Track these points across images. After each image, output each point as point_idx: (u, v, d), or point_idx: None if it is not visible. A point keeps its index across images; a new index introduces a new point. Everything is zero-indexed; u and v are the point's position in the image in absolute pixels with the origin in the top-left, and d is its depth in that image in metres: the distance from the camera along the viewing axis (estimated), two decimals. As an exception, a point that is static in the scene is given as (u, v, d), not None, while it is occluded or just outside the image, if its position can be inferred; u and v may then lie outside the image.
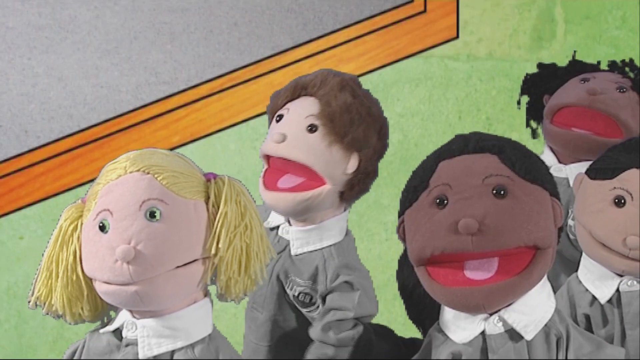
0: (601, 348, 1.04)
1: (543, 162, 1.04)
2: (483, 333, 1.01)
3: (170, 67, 2.03)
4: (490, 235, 0.94)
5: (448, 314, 1.03)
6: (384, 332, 1.39)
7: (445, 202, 0.96)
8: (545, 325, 1.02)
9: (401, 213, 1.04)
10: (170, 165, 1.02)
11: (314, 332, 1.27)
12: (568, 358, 1.02)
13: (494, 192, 0.96)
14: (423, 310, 1.24)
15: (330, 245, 1.29)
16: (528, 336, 1.00)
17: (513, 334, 1.01)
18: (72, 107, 1.99)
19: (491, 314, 1.00)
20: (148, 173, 1.00)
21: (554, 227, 1.01)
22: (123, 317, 1.04)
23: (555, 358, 1.02)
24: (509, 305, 1.00)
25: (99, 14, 2.04)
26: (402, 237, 1.04)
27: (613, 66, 1.60)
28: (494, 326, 1.00)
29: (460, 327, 1.02)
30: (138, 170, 1.00)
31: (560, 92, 1.57)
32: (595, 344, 1.04)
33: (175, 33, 2.05)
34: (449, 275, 0.97)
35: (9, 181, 1.97)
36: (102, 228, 0.98)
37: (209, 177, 1.04)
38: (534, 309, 1.01)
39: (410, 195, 1.01)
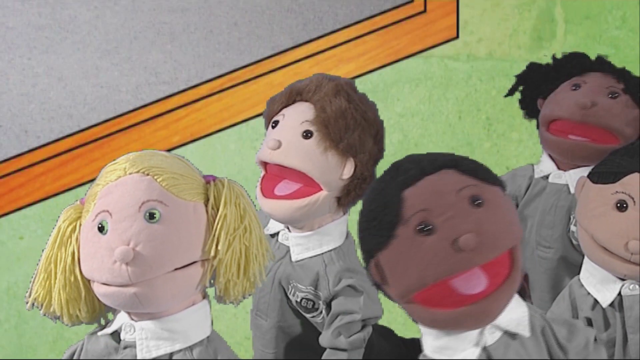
0: (575, 328, 1.04)
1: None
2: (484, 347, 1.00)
3: (170, 67, 2.03)
4: (489, 244, 0.93)
5: (437, 342, 1.00)
6: (385, 333, 1.39)
7: (430, 227, 0.94)
8: (529, 320, 1.01)
9: (370, 256, 1.00)
10: (170, 167, 1.01)
11: (325, 339, 1.27)
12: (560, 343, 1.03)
13: (472, 203, 0.95)
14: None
15: (330, 250, 1.29)
16: (526, 333, 1.00)
17: (508, 337, 1.00)
18: (72, 107, 1.99)
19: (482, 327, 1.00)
20: (148, 174, 1.00)
21: (520, 226, 1.01)
22: (121, 320, 1.04)
23: (546, 348, 1.02)
24: None
25: (99, 14, 2.04)
26: (381, 279, 0.99)
27: (602, 64, 1.58)
28: (490, 336, 0.99)
29: (458, 350, 0.99)
30: (138, 172, 1.00)
31: (553, 100, 1.56)
32: (567, 325, 1.04)
33: (175, 33, 2.05)
34: (446, 298, 0.95)
35: (9, 181, 1.97)
36: (101, 229, 0.98)
37: (209, 179, 1.04)
38: (514, 309, 1.00)
39: (385, 233, 0.96)
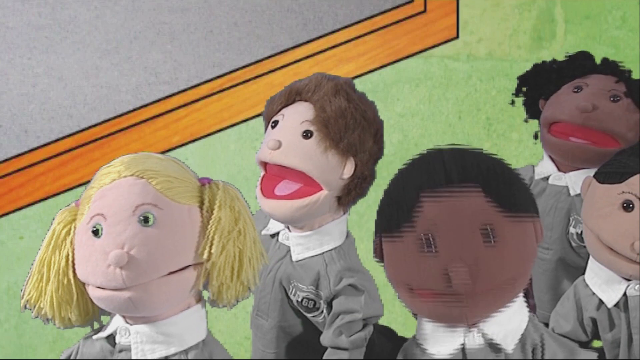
0: (574, 353, 1.03)
1: (523, 183, 1.01)
2: (462, 347, 1.00)
3: (170, 67, 2.03)
4: (481, 282, 0.93)
5: (426, 328, 1.02)
6: (386, 332, 1.39)
7: (433, 245, 0.94)
8: (522, 335, 1.01)
9: (378, 233, 1.02)
10: (165, 169, 1.01)
11: (326, 338, 1.27)
12: None
13: (482, 234, 0.94)
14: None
15: (331, 250, 1.29)
16: (509, 348, 0.99)
17: (492, 347, 1.00)
18: (72, 107, 1.99)
19: (470, 327, 1.00)
20: (142, 177, 0.99)
21: (535, 251, 1.00)
22: (116, 323, 1.04)
23: None
24: (487, 318, 1.00)
25: (99, 14, 2.04)
26: (379, 256, 1.02)
27: (606, 66, 1.58)
28: (473, 339, 1.00)
29: (439, 341, 1.01)
30: (132, 175, 0.99)
31: (554, 102, 1.56)
32: (568, 349, 1.03)
33: (175, 33, 2.05)
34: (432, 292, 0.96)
35: (9, 181, 1.97)
36: (96, 232, 0.98)
37: (204, 182, 1.03)
38: (510, 319, 1.00)
39: (392, 225, 0.98)
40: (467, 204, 0.95)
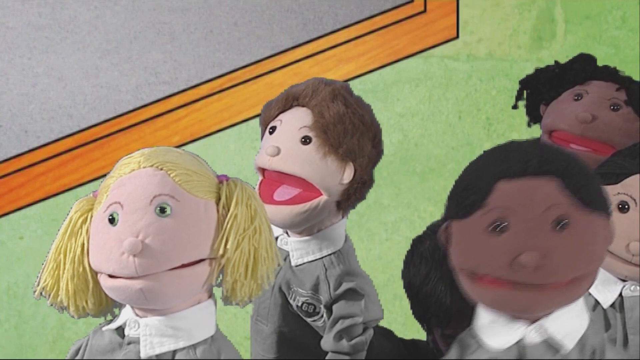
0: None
1: (600, 183, 1.00)
2: (519, 341, 0.98)
3: (170, 67, 2.04)
4: (549, 270, 0.92)
5: (485, 319, 1.00)
6: (385, 333, 1.39)
7: (504, 229, 0.94)
8: (582, 336, 0.99)
9: (448, 218, 1.01)
10: (184, 163, 1.02)
11: (327, 343, 1.27)
12: None
13: (555, 224, 0.93)
14: (429, 309, 1.24)
15: (330, 254, 1.29)
16: (569, 345, 0.98)
17: (550, 346, 0.98)
18: (72, 107, 1.99)
19: (531, 322, 0.98)
20: (161, 169, 1.00)
21: (603, 253, 0.98)
22: (126, 315, 1.04)
23: None
24: (549, 314, 0.98)
25: (99, 14, 2.04)
26: (445, 243, 1.01)
27: (607, 72, 1.58)
28: (533, 335, 0.98)
29: (498, 333, 0.99)
30: (152, 166, 1.00)
31: (554, 110, 1.55)
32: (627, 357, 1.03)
33: (175, 33, 2.05)
34: (493, 281, 0.95)
35: (9, 181, 1.97)
36: (112, 220, 0.98)
37: (221, 179, 1.04)
38: (572, 319, 0.99)
39: (464, 209, 0.97)
40: (543, 193, 0.94)
